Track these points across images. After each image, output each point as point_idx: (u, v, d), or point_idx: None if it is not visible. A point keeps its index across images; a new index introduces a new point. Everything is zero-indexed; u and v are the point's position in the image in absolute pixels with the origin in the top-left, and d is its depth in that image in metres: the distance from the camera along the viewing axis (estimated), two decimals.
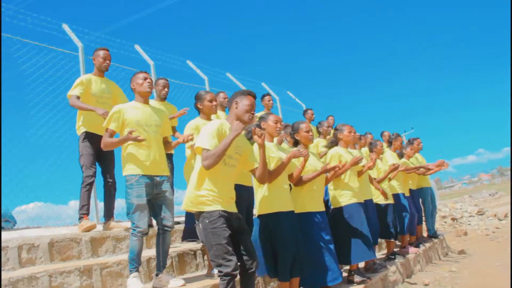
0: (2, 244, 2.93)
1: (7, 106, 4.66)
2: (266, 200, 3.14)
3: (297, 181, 3.48)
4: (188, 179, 3.51)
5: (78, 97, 3.71)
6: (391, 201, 5.31)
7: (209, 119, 3.57)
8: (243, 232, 2.70)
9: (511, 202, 12.57)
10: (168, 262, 3.15)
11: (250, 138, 3.00)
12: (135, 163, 2.97)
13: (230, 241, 2.51)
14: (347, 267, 4.23)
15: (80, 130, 3.83)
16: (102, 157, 3.80)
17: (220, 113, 4.37)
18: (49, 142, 4.82)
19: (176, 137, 4.06)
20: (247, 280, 2.67)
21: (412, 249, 5.78)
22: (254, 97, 2.80)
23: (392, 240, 5.37)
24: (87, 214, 3.72)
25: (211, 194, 2.56)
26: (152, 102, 4.21)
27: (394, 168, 5.30)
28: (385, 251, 5.75)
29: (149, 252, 3.49)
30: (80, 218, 3.69)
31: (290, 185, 3.44)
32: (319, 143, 5.46)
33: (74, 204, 4.85)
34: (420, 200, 6.54)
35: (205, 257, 3.82)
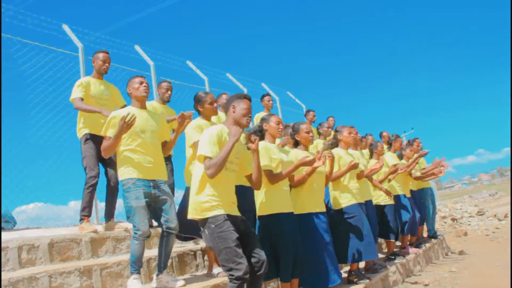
0: (2, 245, 2.93)
1: (7, 107, 4.67)
2: (266, 201, 3.14)
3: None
4: (189, 180, 3.51)
5: (81, 99, 3.73)
6: (391, 201, 5.32)
7: (209, 120, 3.57)
8: (250, 234, 2.67)
9: (511, 202, 12.58)
10: (168, 262, 3.14)
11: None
12: (130, 167, 2.94)
13: (239, 243, 2.48)
14: (347, 267, 4.24)
15: (82, 132, 3.83)
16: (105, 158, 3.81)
17: (221, 114, 4.37)
18: (49, 142, 4.83)
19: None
20: (255, 282, 2.62)
21: (412, 250, 5.78)
22: (250, 100, 2.80)
23: (392, 240, 5.38)
24: (88, 216, 3.72)
25: (213, 199, 2.55)
26: (154, 104, 4.23)
27: (394, 170, 5.30)
28: (385, 251, 5.76)
29: (149, 253, 3.49)
30: (81, 220, 3.69)
31: (289, 186, 3.44)
32: (319, 144, 5.47)
33: (74, 204, 4.86)
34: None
35: (205, 257, 3.83)
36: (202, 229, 2.60)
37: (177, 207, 3.38)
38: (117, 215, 4.09)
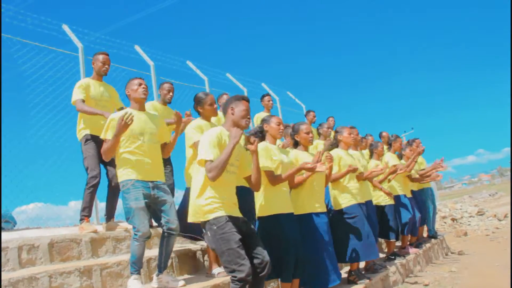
0: (2, 245, 2.93)
1: (7, 107, 4.67)
2: (266, 202, 3.14)
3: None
4: (189, 181, 3.51)
5: (83, 101, 3.74)
6: (391, 201, 5.32)
7: (209, 121, 3.57)
8: (252, 235, 2.67)
9: (511, 202, 12.58)
10: (168, 262, 3.14)
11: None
12: (129, 169, 2.94)
13: (241, 244, 2.47)
14: (347, 267, 4.24)
15: (82, 133, 3.84)
16: None
17: (221, 114, 4.37)
18: (49, 142, 4.84)
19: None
20: (257, 283, 2.62)
21: (412, 250, 5.78)
22: (248, 101, 2.80)
23: (392, 240, 5.38)
24: (89, 216, 3.72)
25: (215, 201, 2.54)
26: (155, 104, 4.24)
27: (394, 170, 5.30)
28: (385, 251, 5.76)
29: (149, 253, 3.48)
30: (81, 220, 3.69)
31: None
32: (319, 144, 5.47)
33: (74, 204, 4.87)
34: None
35: (205, 257, 3.83)
36: (204, 231, 2.59)
37: (176, 206, 3.38)
38: (117, 215, 4.10)
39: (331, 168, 3.68)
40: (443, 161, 6.04)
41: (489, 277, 4.97)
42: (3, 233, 3.50)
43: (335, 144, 4.36)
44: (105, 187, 3.92)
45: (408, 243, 5.89)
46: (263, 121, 3.41)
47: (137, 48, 6.61)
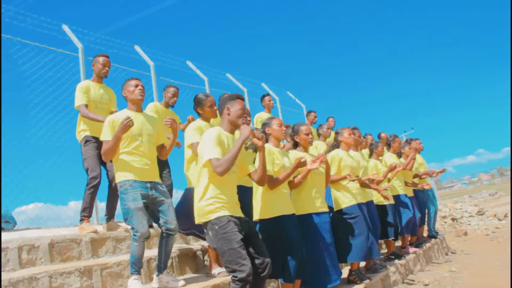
0: (2, 245, 2.93)
1: (7, 107, 4.67)
2: (267, 204, 3.12)
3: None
4: (188, 181, 3.51)
5: (86, 106, 3.77)
6: (391, 201, 5.31)
7: (209, 122, 3.57)
8: (254, 235, 2.67)
9: (511, 202, 12.58)
10: (168, 262, 3.14)
11: (252, 148, 2.99)
12: (127, 169, 2.94)
13: (243, 244, 2.47)
14: (347, 267, 4.24)
15: (81, 135, 3.85)
16: None
17: None
18: (49, 143, 4.84)
19: (181, 129, 4.05)
20: (258, 284, 2.62)
21: (412, 249, 5.78)
22: (243, 99, 2.80)
23: (392, 240, 5.38)
24: (89, 216, 3.72)
25: (217, 201, 2.55)
26: (158, 106, 4.25)
27: (392, 168, 5.29)
28: (385, 251, 5.76)
29: (149, 253, 3.49)
30: (81, 220, 3.69)
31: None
32: (319, 145, 5.47)
33: (74, 205, 4.87)
34: None
35: (206, 257, 3.83)
36: (206, 231, 2.59)
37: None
38: (117, 215, 4.10)
39: (328, 170, 3.68)
40: (442, 172, 6.28)
41: (489, 277, 4.97)
42: (3, 234, 3.50)
43: (335, 145, 4.36)
44: (106, 188, 3.93)
45: (408, 243, 5.89)
46: (264, 125, 3.40)
47: (137, 48, 6.61)
